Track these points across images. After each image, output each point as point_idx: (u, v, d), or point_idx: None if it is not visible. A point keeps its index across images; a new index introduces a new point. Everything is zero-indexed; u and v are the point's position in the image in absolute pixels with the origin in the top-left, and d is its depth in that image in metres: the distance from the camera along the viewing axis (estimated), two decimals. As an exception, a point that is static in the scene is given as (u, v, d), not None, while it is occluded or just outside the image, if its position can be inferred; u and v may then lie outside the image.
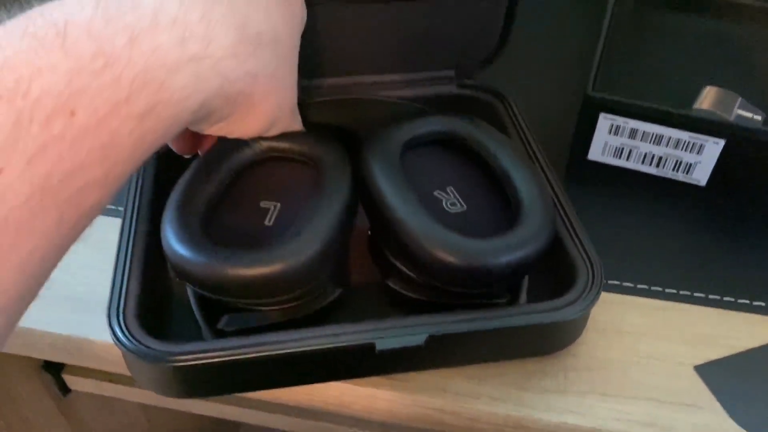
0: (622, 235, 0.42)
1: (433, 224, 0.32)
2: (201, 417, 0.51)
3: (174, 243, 0.31)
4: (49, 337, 0.36)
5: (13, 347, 0.38)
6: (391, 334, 0.31)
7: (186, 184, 0.34)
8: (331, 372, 0.33)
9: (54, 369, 0.49)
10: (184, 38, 0.25)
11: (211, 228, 0.33)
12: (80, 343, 0.36)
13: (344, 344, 0.31)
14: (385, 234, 0.34)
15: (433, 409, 0.34)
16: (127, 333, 0.31)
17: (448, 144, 0.39)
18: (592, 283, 0.34)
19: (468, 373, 0.34)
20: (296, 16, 0.33)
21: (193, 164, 0.36)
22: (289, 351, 0.31)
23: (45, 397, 0.54)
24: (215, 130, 0.31)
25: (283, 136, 0.35)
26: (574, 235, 0.36)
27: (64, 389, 0.49)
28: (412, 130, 0.38)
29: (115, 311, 0.32)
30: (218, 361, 0.30)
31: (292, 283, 0.32)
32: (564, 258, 0.36)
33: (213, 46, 0.26)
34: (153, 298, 0.34)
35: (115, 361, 0.35)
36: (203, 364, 0.30)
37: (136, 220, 0.36)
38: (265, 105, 0.31)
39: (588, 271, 0.34)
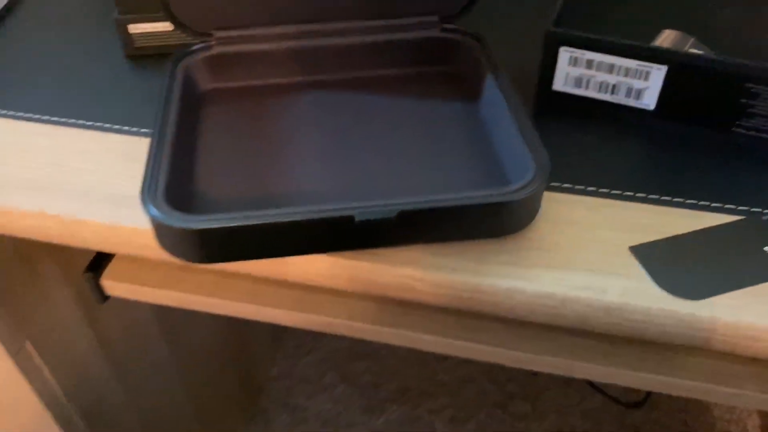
0: (579, 150, 0.48)
1: None
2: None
3: None
4: (90, 225, 0.44)
5: (62, 237, 0.46)
6: (369, 209, 0.39)
7: None
8: (318, 243, 0.40)
9: (94, 272, 0.57)
10: None
11: None
12: (118, 230, 0.44)
13: (329, 215, 0.38)
14: None
15: (404, 276, 0.41)
16: (157, 209, 0.39)
17: None
18: (539, 174, 0.40)
19: (433, 250, 0.41)
20: None
21: None
22: (285, 220, 0.38)
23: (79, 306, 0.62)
24: None
25: None
26: (526, 139, 0.43)
27: (102, 296, 0.57)
28: None
29: (147, 193, 0.40)
30: (228, 227, 0.38)
31: None
32: (517, 157, 0.42)
33: None
34: (179, 183, 0.42)
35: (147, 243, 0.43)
36: (215, 228, 0.38)
37: (163, 124, 0.44)
38: None
39: (537, 165, 0.41)
